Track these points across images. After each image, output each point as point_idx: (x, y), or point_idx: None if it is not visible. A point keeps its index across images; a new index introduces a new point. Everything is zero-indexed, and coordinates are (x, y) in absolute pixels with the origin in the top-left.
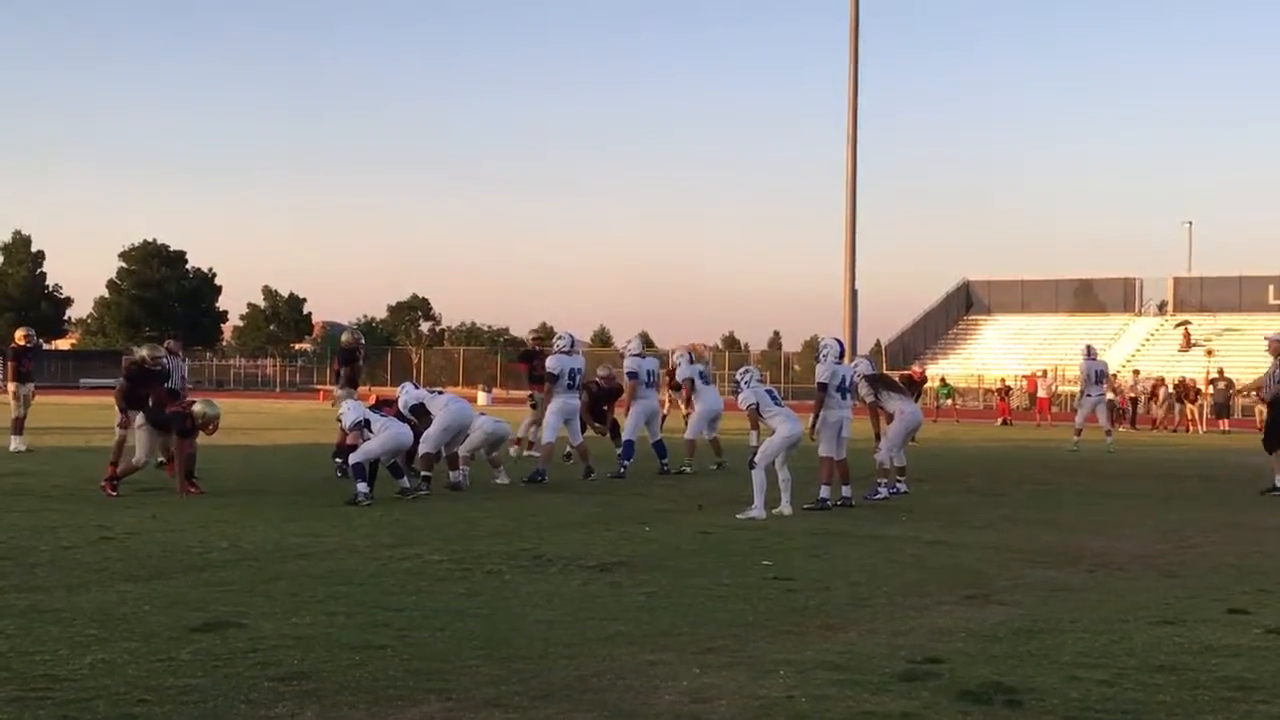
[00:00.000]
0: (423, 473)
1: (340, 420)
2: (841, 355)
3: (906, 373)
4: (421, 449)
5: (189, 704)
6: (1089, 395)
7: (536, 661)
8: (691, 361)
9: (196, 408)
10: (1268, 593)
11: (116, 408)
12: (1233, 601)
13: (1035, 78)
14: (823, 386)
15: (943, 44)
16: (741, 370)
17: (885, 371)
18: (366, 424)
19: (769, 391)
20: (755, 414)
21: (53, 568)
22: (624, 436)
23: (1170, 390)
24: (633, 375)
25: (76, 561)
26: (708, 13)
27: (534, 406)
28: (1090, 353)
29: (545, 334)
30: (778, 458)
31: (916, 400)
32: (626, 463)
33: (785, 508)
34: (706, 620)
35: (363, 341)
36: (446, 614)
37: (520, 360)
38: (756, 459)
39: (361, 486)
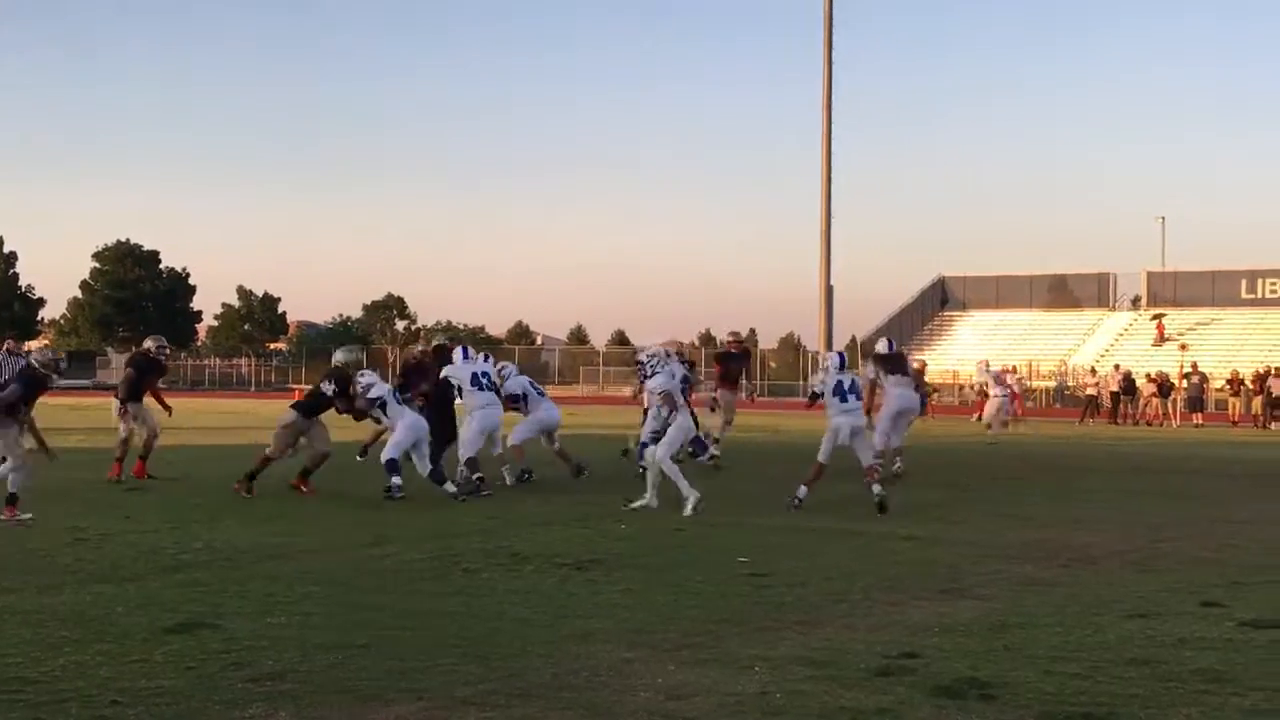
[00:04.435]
0: (474, 476)
1: (362, 392)
2: (843, 365)
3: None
4: (463, 454)
5: (162, 705)
6: (995, 396)
7: (513, 660)
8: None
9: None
10: (1241, 585)
11: (116, 398)
12: (1206, 595)
13: (1008, 74)
14: (812, 396)
15: (916, 41)
16: (648, 354)
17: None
18: (383, 405)
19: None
20: (670, 401)
21: (25, 569)
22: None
23: (1151, 384)
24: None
25: (49, 563)
26: (681, 11)
27: (713, 409)
28: (986, 367)
29: (739, 338)
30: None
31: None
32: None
33: (652, 500)
34: (682, 617)
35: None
36: (423, 613)
37: (716, 361)
38: (661, 453)
39: (396, 480)
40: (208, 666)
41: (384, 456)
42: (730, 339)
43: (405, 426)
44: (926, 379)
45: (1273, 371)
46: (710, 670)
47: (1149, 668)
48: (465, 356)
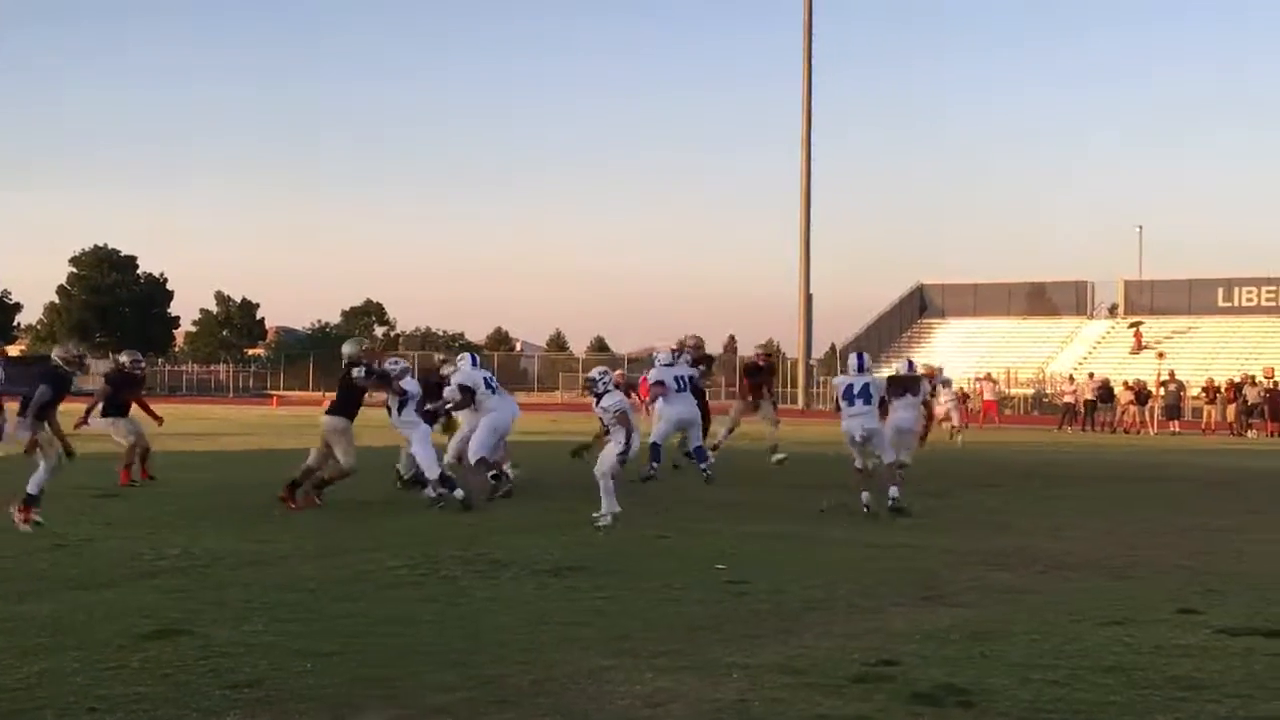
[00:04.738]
0: (489, 475)
1: (396, 376)
2: (861, 367)
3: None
4: (473, 455)
5: (138, 712)
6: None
7: (490, 667)
8: (671, 364)
9: None
10: (1216, 593)
11: (85, 409)
12: (1183, 602)
13: (987, 83)
14: (837, 404)
15: (896, 49)
16: (599, 371)
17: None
18: (403, 404)
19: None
20: (626, 420)
21: (1, 576)
22: (652, 439)
23: (1129, 391)
24: (660, 384)
25: (27, 570)
26: (661, 16)
27: (756, 409)
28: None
29: (768, 352)
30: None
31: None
32: (655, 465)
33: (613, 506)
34: (660, 624)
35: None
36: (400, 620)
37: (744, 374)
38: (605, 469)
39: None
40: (184, 673)
41: (436, 477)
42: (759, 352)
43: (421, 436)
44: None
45: (1248, 380)
46: (688, 677)
47: (1125, 675)
48: (474, 363)
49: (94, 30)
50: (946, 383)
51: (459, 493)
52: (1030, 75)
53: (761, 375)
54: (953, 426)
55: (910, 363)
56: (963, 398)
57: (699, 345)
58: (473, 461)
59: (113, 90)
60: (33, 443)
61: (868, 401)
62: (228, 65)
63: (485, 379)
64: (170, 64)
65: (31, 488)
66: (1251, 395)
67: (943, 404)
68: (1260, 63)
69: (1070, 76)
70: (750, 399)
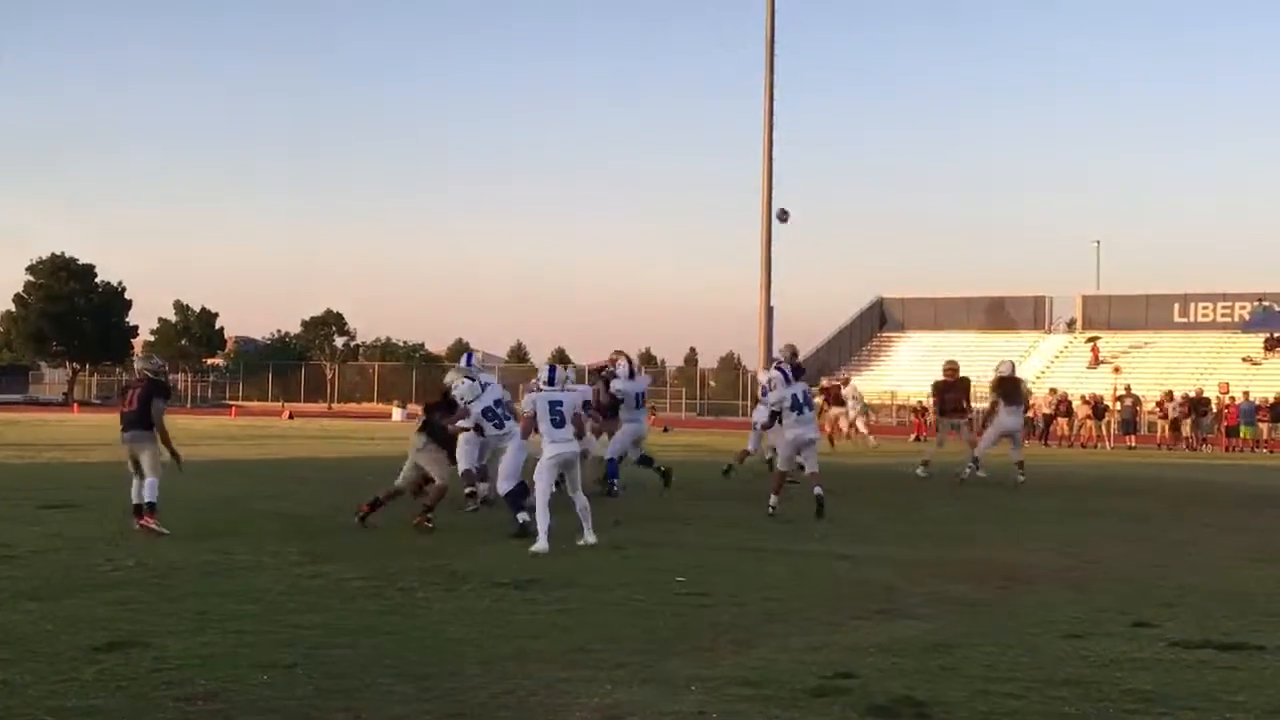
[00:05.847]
0: (467, 491)
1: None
2: (788, 378)
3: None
4: (461, 466)
5: None
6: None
7: (449, 679)
8: (631, 377)
9: None
10: (1171, 606)
11: None
12: (1138, 615)
13: (946, 99)
14: (774, 416)
15: (855, 64)
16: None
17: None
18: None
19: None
20: (528, 427)
21: None
22: (608, 455)
23: (1086, 406)
24: (619, 398)
25: None
26: (622, 29)
27: (940, 440)
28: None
29: (955, 367)
30: (550, 480)
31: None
32: (615, 480)
33: (589, 536)
34: (619, 637)
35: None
36: (358, 632)
37: (934, 392)
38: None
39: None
40: (139, 685)
41: (505, 492)
42: (948, 368)
43: (517, 445)
44: (864, 399)
45: (1168, 396)
46: (647, 690)
47: (1081, 688)
48: (469, 362)
49: (43, 32)
50: (856, 396)
51: (522, 516)
52: (991, 90)
53: (952, 392)
54: (859, 434)
55: (1010, 364)
56: (921, 411)
57: (795, 353)
58: (459, 473)
59: (68, 96)
60: (174, 453)
61: (810, 409)
62: (185, 71)
63: (483, 383)
64: (126, 71)
65: (149, 495)
66: (1171, 410)
67: (851, 414)
68: (1220, 79)
69: (1031, 92)
70: (946, 417)
